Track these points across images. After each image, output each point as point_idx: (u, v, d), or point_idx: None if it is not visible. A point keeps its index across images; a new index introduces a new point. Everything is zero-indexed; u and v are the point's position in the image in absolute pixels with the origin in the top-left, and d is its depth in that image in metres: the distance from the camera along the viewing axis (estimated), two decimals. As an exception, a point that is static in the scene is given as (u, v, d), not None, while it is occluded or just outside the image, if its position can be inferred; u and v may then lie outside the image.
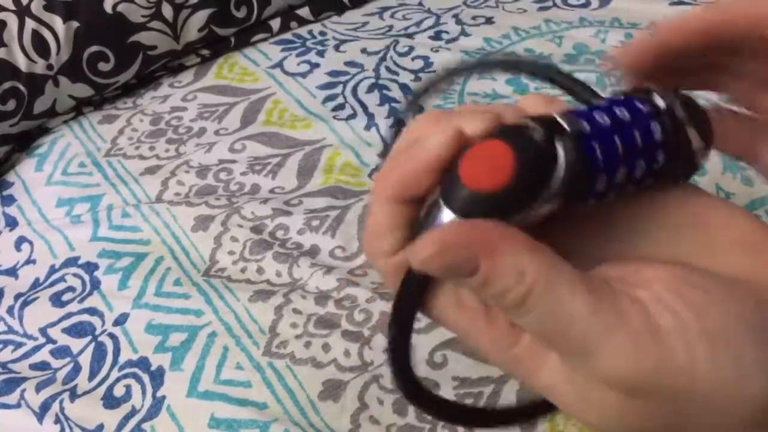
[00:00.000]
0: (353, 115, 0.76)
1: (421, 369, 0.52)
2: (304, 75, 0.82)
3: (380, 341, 0.54)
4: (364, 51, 0.85)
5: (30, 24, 0.76)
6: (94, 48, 0.79)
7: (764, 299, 0.24)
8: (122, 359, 0.57)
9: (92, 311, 0.61)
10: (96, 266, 0.64)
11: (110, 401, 0.54)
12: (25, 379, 0.57)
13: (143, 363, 0.56)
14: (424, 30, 0.88)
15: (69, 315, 0.61)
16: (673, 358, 0.22)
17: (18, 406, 0.55)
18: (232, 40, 0.88)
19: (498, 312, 0.25)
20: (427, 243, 0.23)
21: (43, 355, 0.59)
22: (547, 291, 0.23)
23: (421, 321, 0.28)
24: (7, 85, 0.75)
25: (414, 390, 0.27)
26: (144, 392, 0.54)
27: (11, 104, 0.75)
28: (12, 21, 0.75)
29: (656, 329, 0.23)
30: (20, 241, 0.68)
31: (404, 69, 0.81)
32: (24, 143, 0.80)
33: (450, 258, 0.23)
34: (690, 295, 0.23)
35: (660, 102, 0.26)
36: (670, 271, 0.24)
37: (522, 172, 0.24)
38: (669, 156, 0.26)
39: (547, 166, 0.24)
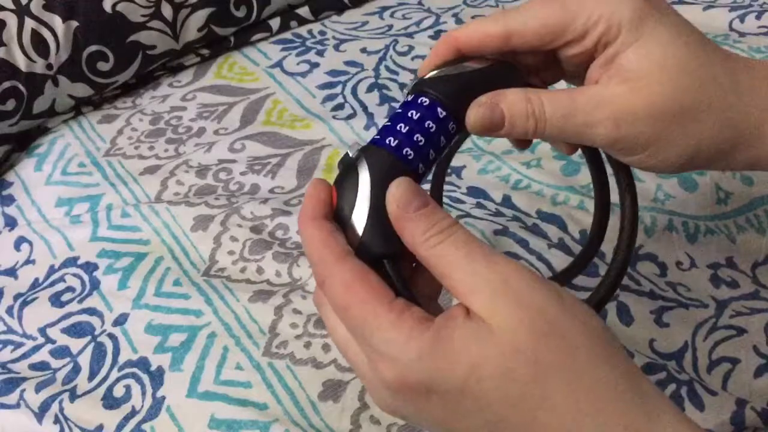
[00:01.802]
0: (353, 115, 0.76)
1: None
2: (303, 75, 0.82)
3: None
4: (363, 50, 0.85)
5: (29, 23, 0.76)
6: (93, 47, 0.79)
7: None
8: (122, 359, 0.57)
9: (92, 311, 0.60)
10: (95, 266, 0.63)
11: (110, 401, 0.54)
12: (24, 379, 0.57)
13: (143, 363, 0.56)
14: (424, 29, 0.88)
15: (68, 315, 0.61)
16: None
17: (17, 406, 0.55)
18: (232, 39, 0.88)
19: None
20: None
21: (43, 355, 0.59)
22: (459, 225, 0.34)
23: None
24: (6, 84, 0.75)
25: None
26: (144, 393, 0.54)
27: (10, 104, 0.75)
28: (11, 20, 0.75)
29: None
30: (20, 241, 0.68)
31: (404, 69, 0.81)
32: (23, 143, 0.80)
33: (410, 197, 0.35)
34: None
35: (431, 84, 0.39)
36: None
37: (339, 190, 0.36)
38: (456, 117, 0.38)
39: (353, 176, 0.36)
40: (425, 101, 0.38)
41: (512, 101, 0.38)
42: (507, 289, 0.32)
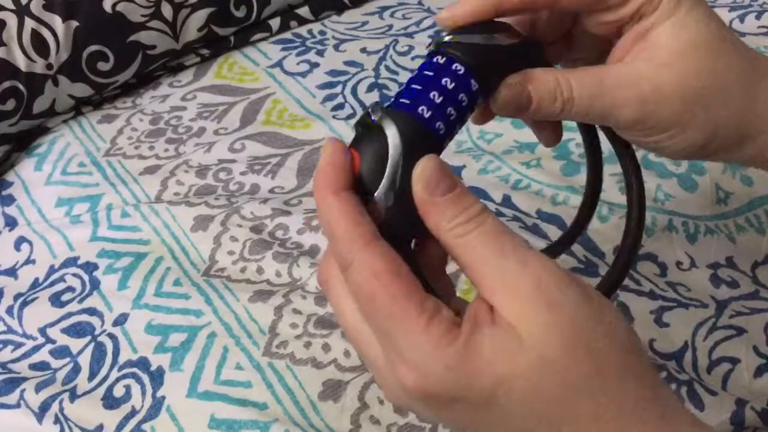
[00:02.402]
0: (353, 115, 0.76)
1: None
2: (303, 74, 0.82)
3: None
4: (363, 50, 0.85)
5: (29, 23, 0.76)
6: (93, 47, 0.79)
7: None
8: (122, 359, 0.57)
9: (92, 311, 0.61)
10: (95, 266, 0.63)
11: (110, 401, 0.54)
12: (24, 379, 0.57)
13: (143, 363, 0.56)
14: (424, 29, 0.88)
15: (68, 315, 0.61)
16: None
17: (17, 406, 0.55)
18: (232, 39, 0.88)
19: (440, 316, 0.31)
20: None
21: (43, 355, 0.59)
22: (490, 213, 0.32)
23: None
24: (6, 84, 0.75)
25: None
26: (144, 392, 0.54)
27: (10, 104, 0.75)
28: (11, 20, 0.75)
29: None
30: (20, 241, 0.68)
31: (404, 68, 0.81)
32: (23, 143, 0.80)
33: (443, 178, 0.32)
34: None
35: (450, 42, 0.36)
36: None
37: (360, 150, 0.33)
38: (481, 77, 0.35)
39: (375, 139, 0.33)
40: (459, 70, 0.35)
41: (541, 82, 0.37)
42: (539, 294, 0.30)
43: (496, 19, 0.37)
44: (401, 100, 0.34)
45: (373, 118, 0.33)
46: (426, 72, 0.35)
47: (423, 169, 0.32)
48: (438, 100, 0.34)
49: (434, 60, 0.35)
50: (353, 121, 0.74)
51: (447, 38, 0.36)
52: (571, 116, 0.38)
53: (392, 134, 0.33)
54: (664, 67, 0.37)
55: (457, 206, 0.32)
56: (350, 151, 0.33)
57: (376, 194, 0.32)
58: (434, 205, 0.32)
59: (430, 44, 0.36)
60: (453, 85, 0.34)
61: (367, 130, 0.33)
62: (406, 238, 0.33)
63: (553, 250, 0.44)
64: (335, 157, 0.32)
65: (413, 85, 0.34)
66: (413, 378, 0.30)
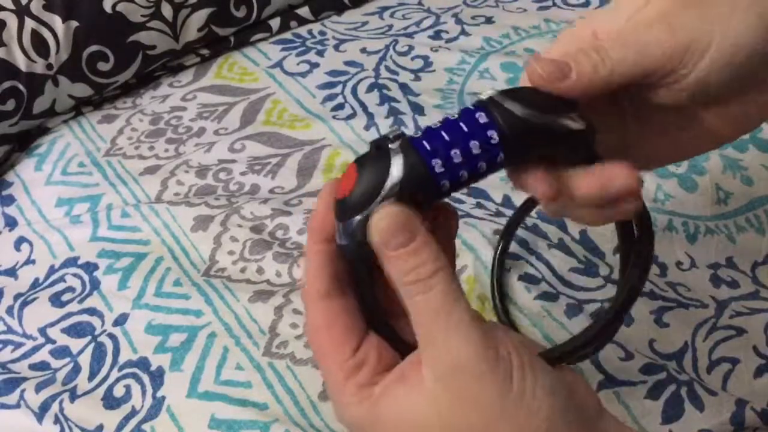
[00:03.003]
0: (353, 115, 0.76)
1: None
2: (303, 75, 0.82)
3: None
4: (363, 51, 0.85)
5: (29, 23, 0.76)
6: (93, 47, 0.79)
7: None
8: (122, 359, 0.57)
9: (92, 311, 0.61)
10: (96, 266, 0.63)
11: (110, 402, 0.54)
12: (24, 379, 0.57)
13: (143, 363, 0.56)
14: (424, 29, 0.88)
15: (69, 315, 0.61)
16: (504, 367, 0.31)
17: (17, 406, 0.55)
18: (232, 39, 0.88)
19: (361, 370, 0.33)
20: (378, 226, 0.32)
21: (43, 355, 0.59)
22: (449, 278, 0.32)
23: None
24: (6, 84, 0.75)
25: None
26: (144, 393, 0.54)
27: (10, 104, 0.75)
28: (11, 20, 0.75)
29: (496, 342, 0.32)
30: (20, 241, 0.68)
31: (404, 68, 0.81)
32: (23, 143, 0.80)
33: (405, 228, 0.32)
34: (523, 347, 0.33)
35: (494, 107, 0.33)
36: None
37: (360, 176, 0.32)
38: (509, 153, 0.33)
39: (380, 170, 0.32)
40: (493, 139, 0.33)
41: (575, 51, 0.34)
42: (452, 381, 0.31)
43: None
44: (423, 142, 0.33)
45: (390, 144, 0.33)
46: (461, 124, 0.33)
47: (380, 218, 0.32)
48: (456, 160, 0.33)
49: (476, 115, 0.33)
50: (353, 122, 0.74)
51: (501, 98, 0.33)
52: (613, 73, 0.34)
53: (396, 169, 0.32)
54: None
55: (408, 263, 0.32)
56: (353, 166, 0.33)
57: (361, 211, 0.32)
58: (387, 257, 0.32)
59: (485, 95, 0.34)
60: (478, 151, 0.33)
61: (377, 154, 0.33)
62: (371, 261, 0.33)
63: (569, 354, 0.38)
64: (327, 207, 0.34)
65: (443, 132, 0.33)
66: (335, 413, 0.35)
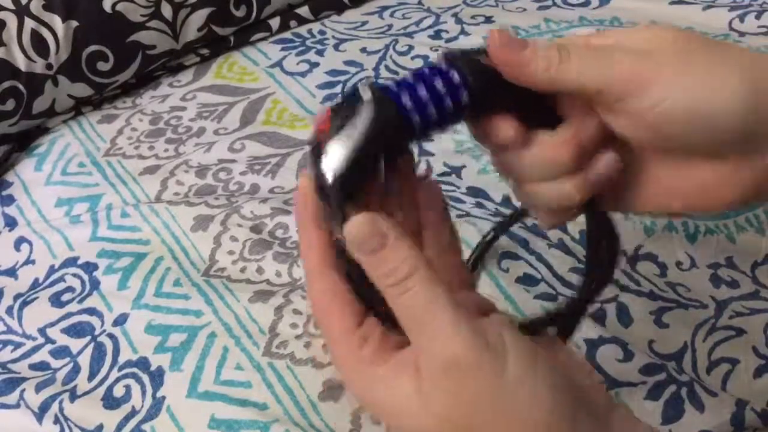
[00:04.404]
0: (353, 115, 0.76)
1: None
2: (303, 74, 0.82)
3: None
4: (363, 50, 0.85)
5: (29, 23, 0.76)
6: (93, 47, 0.79)
7: None
8: (122, 359, 0.57)
9: (92, 311, 0.61)
10: (95, 266, 0.63)
11: (110, 402, 0.54)
12: (24, 379, 0.57)
13: (143, 363, 0.56)
14: (424, 29, 0.88)
15: (68, 315, 0.61)
16: (494, 358, 0.31)
17: (17, 406, 0.55)
18: (232, 39, 0.88)
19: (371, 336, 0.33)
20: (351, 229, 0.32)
21: (43, 355, 0.59)
22: (426, 278, 0.31)
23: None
24: (6, 84, 0.75)
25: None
26: (144, 393, 0.54)
27: (10, 104, 0.75)
28: (11, 20, 0.75)
29: (486, 334, 0.31)
30: (19, 242, 0.68)
31: (404, 68, 0.81)
32: (23, 143, 0.80)
33: (375, 235, 0.32)
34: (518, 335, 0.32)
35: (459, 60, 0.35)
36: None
37: (334, 113, 0.33)
38: (473, 94, 0.34)
39: (352, 107, 0.33)
40: (456, 79, 0.34)
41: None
42: (444, 380, 0.31)
43: None
44: (389, 85, 0.35)
45: (361, 91, 0.34)
46: (424, 70, 0.35)
47: (351, 226, 0.32)
48: (423, 97, 0.34)
49: (439, 64, 0.35)
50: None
51: (464, 53, 0.35)
52: (569, 70, 0.34)
53: (367, 110, 0.33)
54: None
55: (383, 267, 0.32)
56: (328, 110, 0.34)
57: (326, 155, 0.33)
58: (365, 262, 0.32)
59: (444, 52, 0.36)
60: (443, 89, 0.34)
61: (348, 98, 0.34)
62: (342, 200, 0.34)
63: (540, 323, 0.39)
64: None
65: (407, 78, 0.35)
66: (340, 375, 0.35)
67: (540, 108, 0.36)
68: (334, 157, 0.33)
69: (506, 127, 0.35)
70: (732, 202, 0.36)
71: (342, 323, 0.33)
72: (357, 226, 0.32)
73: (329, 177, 0.33)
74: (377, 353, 0.33)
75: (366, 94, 0.34)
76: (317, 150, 0.34)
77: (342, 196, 0.33)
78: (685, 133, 0.34)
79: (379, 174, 0.34)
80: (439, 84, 0.34)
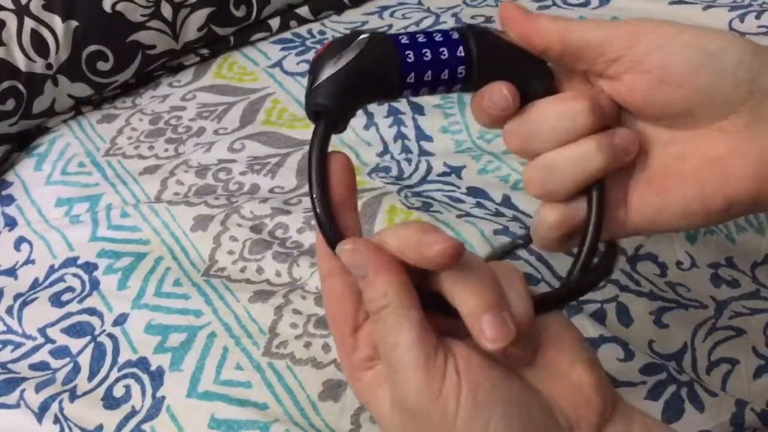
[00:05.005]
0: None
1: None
2: (303, 74, 0.82)
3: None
4: (363, 50, 0.85)
5: (29, 23, 0.76)
6: (93, 47, 0.79)
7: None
8: (122, 359, 0.57)
9: (91, 311, 0.61)
10: (95, 266, 0.63)
11: (110, 402, 0.54)
12: (24, 379, 0.57)
13: (143, 363, 0.56)
14: (424, 29, 0.87)
15: (68, 315, 0.61)
16: (445, 409, 0.31)
17: (17, 406, 0.55)
18: (232, 39, 0.88)
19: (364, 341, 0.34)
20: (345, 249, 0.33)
21: (43, 355, 0.59)
22: (395, 314, 0.32)
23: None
24: (6, 84, 0.75)
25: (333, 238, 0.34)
26: (144, 393, 0.54)
27: (10, 104, 0.75)
28: (11, 20, 0.75)
29: (442, 380, 0.31)
30: (19, 241, 0.68)
31: (404, 68, 0.81)
32: (23, 143, 0.80)
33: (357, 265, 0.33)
34: (480, 379, 0.32)
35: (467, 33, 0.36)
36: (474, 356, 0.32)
37: (334, 42, 0.35)
38: (468, 68, 0.35)
39: (353, 40, 0.34)
40: (459, 51, 0.36)
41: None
42: (400, 413, 0.32)
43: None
44: (401, 36, 0.36)
45: (367, 33, 0.35)
46: (436, 35, 0.36)
47: (341, 251, 0.33)
48: (426, 58, 0.35)
49: (450, 33, 0.36)
50: (352, 122, 0.74)
51: (477, 28, 0.37)
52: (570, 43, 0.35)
53: (366, 42, 0.34)
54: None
55: (366, 292, 0.33)
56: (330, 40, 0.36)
57: (322, 71, 0.35)
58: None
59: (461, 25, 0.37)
60: (446, 57, 0.35)
61: (355, 33, 0.35)
62: (318, 110, 0.36)
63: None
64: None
65: (419, 35, 0.36)
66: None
67: (540, 90, 0.36)
68: (323, 78, 0.34)
69: (502, 89, 0.35)
70: (746, 177, 0.35)
71: (340, 328, 0.35)
72: (342, 253, 0.33)
73: (317, 96, 0.35)
74: (364, 361, 0.34)
75: (371, 35, 0.35)
76: (310, 74, 0.35)
77: (329, 118, 0.35)
78: (686, 83, 0.34)
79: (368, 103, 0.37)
80: (443, 53, 0.35)
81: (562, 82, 0.37)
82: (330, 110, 0.35)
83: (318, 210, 0.34)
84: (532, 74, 0.36)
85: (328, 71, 0.34)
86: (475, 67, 0.36)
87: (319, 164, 0.35)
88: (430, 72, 0.35)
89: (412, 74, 0.35)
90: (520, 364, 0.34)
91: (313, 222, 0.34)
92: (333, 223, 0.34)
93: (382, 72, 0.35)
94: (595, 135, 0.35)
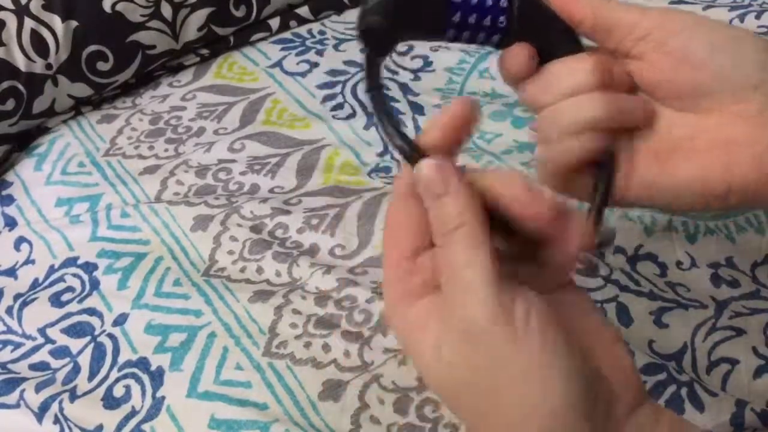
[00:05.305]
0: (352, 115, 0.76)
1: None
2: (303, 74, 0.82)
3: (380, 341, 0.54)
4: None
5: (29, 23, 0.76)
6: (93, 47, 0.79)
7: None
8: (122, 360, 0.57)
9: (91, 311, 0.61)
10: (95, 266, 0.63)
11: (110, 402, 0.54)
12: (24, 379, 0.57)
13: (143, 363, 0.56)
14: None
15: (68, 315, 0.61)
16: (513, 332, 0.31)
17: (17, 406, 0.55)
18: (231, 39, 0.88)
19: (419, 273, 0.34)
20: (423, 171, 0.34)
21: (43, 355, 0.59)
22: (470, 235, 0.32)
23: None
24: (5, 84, 0.75)
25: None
26: (144, 393, 0.54)
27: (10, 104, 0.75)
28: (11, 20, 0.75)
29: (512, 303, 0.31)
30: (19, 241, 0.68)
31: (403, 68, 0.81)
32: (23, 143, 0.80)
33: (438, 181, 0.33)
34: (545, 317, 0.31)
35: None
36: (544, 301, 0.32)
37: None
38: (509, 20, 0.37)
39: None
40: (503, 3, 0.38)
41: None
42: (458, 338, 0.32)
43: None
44: None
45: None
46: None
47: (421, 167, 0.34)
48: (473, 2, 0.37)
49: None
50: (353, 122, 0.74)
51: None
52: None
53: None
54: None
55: (440, 212, 0.33)
56: None
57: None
58: (428, 204, 0.34)
59: None
60: (491, 3, 0.37)
61: None
62: (379, 31, 0.36)
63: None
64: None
65: None
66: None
67: (570, 53, 0.38)
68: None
69: (522, 51, 0.38)
70: (750, 165, 0.36)
71: (399, 249, 0.34)
72: (425, 168, 0.33)
73: (370, 14, 0.36)
74: (419, 287, 0.34)
75: None
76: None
77: (377, 39, 0.36)
78: (705, 65, 0.36)
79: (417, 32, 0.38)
80: (488, 1, 0.37)
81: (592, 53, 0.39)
82: (381, 29, 0.36)
83: (385, 128, 0.35)
84: (562, 42, 0.38)
85: None
86: (514, 21, 0.37)
87: (374, 87, 0.37)
88: (475, 15, 0.37)
89: (458, 13, 0.37)
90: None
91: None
92: (407, 137, 0.34)
93: (431, 4, 0.36)
94: (599, 90, 0.37)
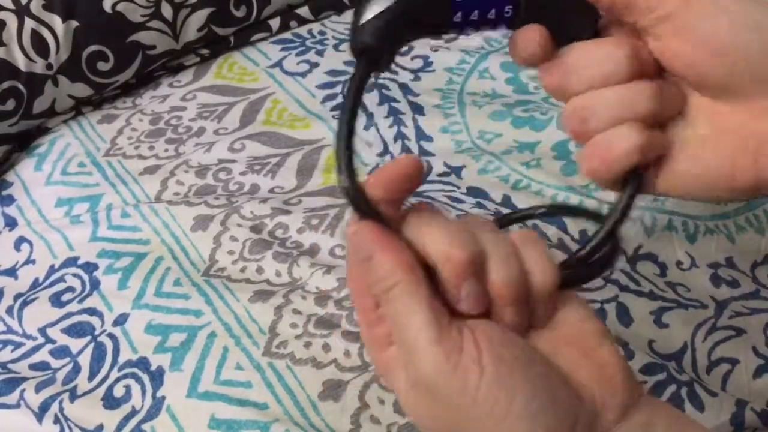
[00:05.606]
0: (353, 115, 0.76)
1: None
2: (303, 74, 0.82)
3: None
4: (363, 50, 0.85)
5: (29, 23, 0.76)
6: (93, 47, 0.79)
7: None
8: (122, 359, 0.57)
9: (92, 311, 0.61)
10: (95, 266, 0.63)
11: (110, 402, 0.54)
12: (24, 379, 0.57)
13: (143, 363, 0.56)
14: None
15: (68, 315, 0.61)
16: (465, 382, 0.30)
17: (17, 406, 0.55)
18: (232, 39, 0.88)
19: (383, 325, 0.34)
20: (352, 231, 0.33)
21: (43, 355, 0.59)
22: (405, 293, 0.31)
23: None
24: (6, 84, 0.75)
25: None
26: (144, 393, 0.54)
27: (10, 104, 0.75)
28: (11, 20, 0.75)
29: (459, 354, 0.31)
30: (19, 242, 0.68)
31: (403, 68, 0.81)
32: (23, 143, 0.80)
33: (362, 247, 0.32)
34: (502, 353, 0.31)
35: None
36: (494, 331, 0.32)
37: None
38: (515, 8, 0.35)
39: None
40: None
41: None
42: (417, 390, 0.32)
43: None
44: None
45: None
46: None
47: (349, 233, 0.33)
48: None
49: None
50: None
51: None
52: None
53: None
54: None
55: (372, 274, 0.32)
56: None
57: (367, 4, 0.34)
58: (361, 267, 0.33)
59: None
60: None
61: None
62: (365, 50, 0.34)
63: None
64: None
65: None
66: None
67: (585, 36, 0.36)
68: (369, 15, 0.33)
69: (535, 34, 0.35)
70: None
71: (362, 302, 0.35)
72: (350, 233, 0.33)
73: (362, 34, 0.34)
74: (386, 336, 0.34)
75: None
76: (355, 11, 0.34)
77: (372, 58, 0.34)
78: (729, 51, 0.33)
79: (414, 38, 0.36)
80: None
81: (609, 30, 0.37)
82: (375, 50, 0.34)
83: (341, 163, 0.33)
84: (579, 18, 0.36)
85: (375, 8, 0.33)
86: (522, 7, 0.35)
87: (351, 109, 0.34)
88: (477, 12, 0.35)
89: (459, 13, 0.35)
90: (544, 340, 0.33)
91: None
92: (353, 178, 0.32)
93: (430, 10, 0.35)
94: (648, 80, 0.35)
